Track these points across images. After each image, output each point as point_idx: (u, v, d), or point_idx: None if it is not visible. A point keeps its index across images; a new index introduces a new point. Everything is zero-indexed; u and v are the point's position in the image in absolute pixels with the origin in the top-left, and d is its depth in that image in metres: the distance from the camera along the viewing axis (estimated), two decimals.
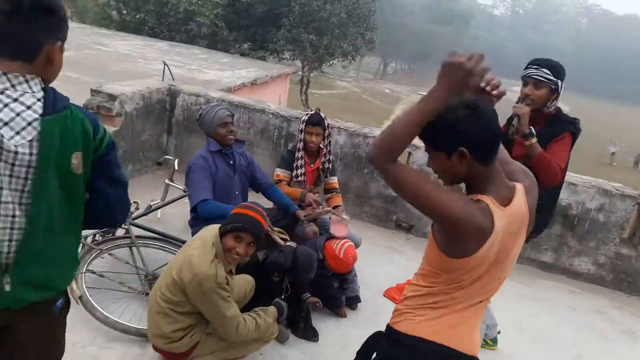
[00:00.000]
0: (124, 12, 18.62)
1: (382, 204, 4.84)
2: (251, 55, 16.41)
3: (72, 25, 16.52)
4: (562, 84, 2.78)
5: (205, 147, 3.29)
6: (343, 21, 17.25)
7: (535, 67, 2.77)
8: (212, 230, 2.40)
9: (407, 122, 1.37)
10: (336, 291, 3.40)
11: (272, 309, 2.67)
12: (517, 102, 2.84)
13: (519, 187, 1.51)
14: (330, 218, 3.53)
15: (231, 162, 3.30)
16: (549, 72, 2.71)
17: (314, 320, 3.20)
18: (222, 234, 2.35)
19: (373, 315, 3.44)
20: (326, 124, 3.70)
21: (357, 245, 3.81)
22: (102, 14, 19.41)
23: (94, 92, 4.48)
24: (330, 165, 3.80)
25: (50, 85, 1.33)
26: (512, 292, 4.01)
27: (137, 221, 3.56)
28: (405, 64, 70.62)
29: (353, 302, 3.48)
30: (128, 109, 4.62)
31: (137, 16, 18.01)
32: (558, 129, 2.76)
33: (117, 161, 1.46)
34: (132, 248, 3.31)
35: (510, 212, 1.44)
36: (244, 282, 2.80)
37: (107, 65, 9.65)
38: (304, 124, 3.63)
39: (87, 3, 21.46)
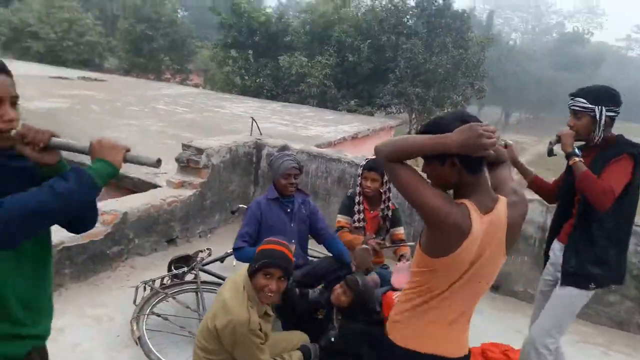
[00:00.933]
0: (246, 77, 20.32)
1: None
2: (358, 111, 16.82)
3: (200, 91, 18.46)
4: (603, 109, 2.53)
5: (265, 194, 3.40)
6: (450, 72, 17.07)
7: (571, 97, 2.64)
8: (242, 273, 2.41)
9: (419, 145, 1.54)
10: None
11: (297, 354, 2.59)
12: None
13: (502, 199, 1.60)
14: (390, 268, 3.39)
15: (288, 210, 3.34)
16: (584, 100, 2.54)
17: None
18: (252, 274, 2.35)
19: None
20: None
21: None
22: (226, 80, 21.35)
23: (185, 146, 4.87)
24: (389, 213, 3.67)
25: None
26: None
27: (209, 267, 3.72)
28: (529, 113, 67.32)
29: None
30: (215, 161, 4.93)
31: (257, 81, 19.57)
32: (614, 152, 2.52)
33: None
34: (197, 293, 3.44)
35: (489, 220, 1.54)
36: (295, 338, 2.75)
37: (220, 125, 10.48)
38: (362, 169, 3.60)
39: (215, 73, 23.84)
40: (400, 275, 3.34)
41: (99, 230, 3.82)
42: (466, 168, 1.53)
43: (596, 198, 2.42)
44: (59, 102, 11.28)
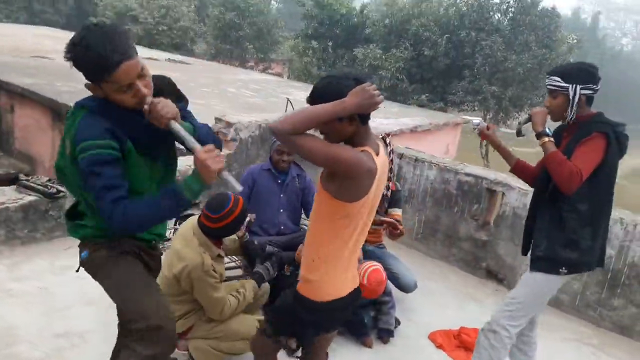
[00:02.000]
0: (322, 68, 20.66)
1: (471, 247, 4.46)
2: (430, 106, 16.54)
3: (274, 79, 19.03)
4: (577, 88, 2.41)
5: (260, 164, 3.65)
6: (532, 72, 16.28)
7: (547, 76, 2.55)
8: (188, 223, 2.64)
9: (321, 114, 1.68)
10: (364, 319, 3.28)
11: (250, 282, 2.81)
12: None
13: (380, 141, 1.87)
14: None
15: (279, 181, 3.54)
16: (558, 78, 2.43)
17: (337, 343, 3.14)
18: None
19: (402, 353, 3.22)
20: (389, 150, 3.70)
21: (407, 288, 3.66)
22: (303, 70, 21.84)
23: (217, 119, 5.21)
24: (389, 193, 3.75)
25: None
26: None
27: None
28: (630, 122, 61.80)
29: (383, 334, 3.31)
30: (243, 136, 5.22)
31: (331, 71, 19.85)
32: (585, 131, 2.39)
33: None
34: None
35: (380, 160, 1.79)
36: (248, 282, 2.95)
37: (280, 110, 10.85)
38: None
39: (296, 62, 24.43)
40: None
41: None
42: (361, 121, 1.74)
43: (562, 180, 2.34)
44: None
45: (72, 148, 1.67)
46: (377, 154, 1.77)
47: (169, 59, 18.37)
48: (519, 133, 2.68)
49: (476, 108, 17.91)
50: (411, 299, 3.86)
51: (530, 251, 2.61)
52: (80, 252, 1.94)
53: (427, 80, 17.61)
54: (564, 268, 2.49)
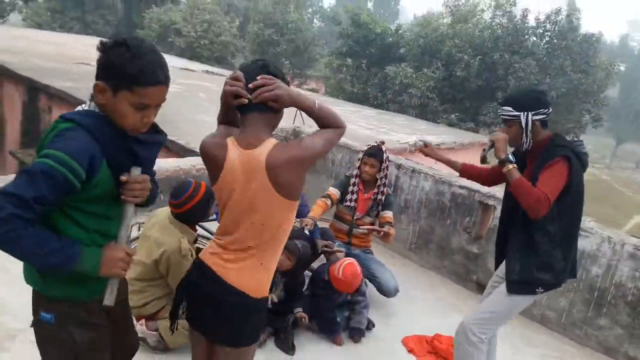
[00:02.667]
0: (355, 85, 20.89)
1: (462, 260, 4.47)
2: (460, 126, 16.45)
3: (312, 95, 19.36)
4: (529, 115, 2.45)
5: None
6: (566, 96, 15.98)
7: (499, 106, 2.63)
8: (163, 212, 2.81)
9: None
10: (336, 317, 3.35)
11: None
12: None
13: (272, 141, 1.67)
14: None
15: None
16: (509, 108, 2.47)
17: (307, 339, 3.24)
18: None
19: (371, 354, 3.27)
20: (384, 157, 3.81)
21: (388, 292, 3.72)
22: (337, 87, 22.13)
23: None
24: (383, 198, 3.85)
25: None
26: None
27: (207, 224, 4.17)
28: None
29: (355, 334, 3.37)
30: None
31: (365, 89, 20.05)
32: (549, 155, 2.43)
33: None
34: None
35: (248, 155, 1.65)
36: None
37: (314, 126, 11.05)
38: (363, 154, 3.84)
39: (330, 79, 24.78)
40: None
41: None
42: (239, 110, 1.72)
43: (530, 206, 2.37)
44: (173, 88, 12.69)
45: (37, 153, 1.44)
46: (246, 148, 1.66)
47: (206, 70, 19.00)
48: (483, 160, 2.67)
49: None
50: (393, 304, 3.90)
51: (505, 271, 2.64)
52: (39, 308, 1.61)
53: (458, 101, 17.53)
54: (539, 288, 2.57)
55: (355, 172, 3.95)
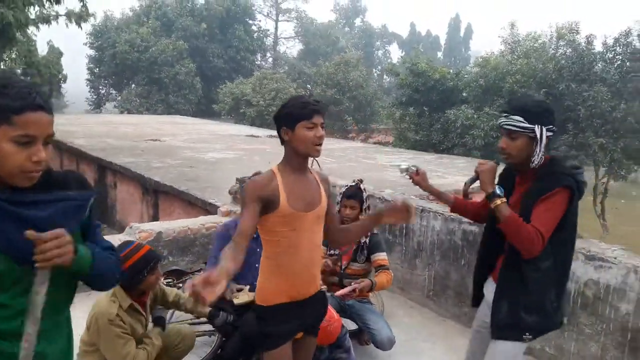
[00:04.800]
0: (420, 133, 20.55)
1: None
2: None
3: (364, 146, 19.32)
4: (543, 129, 2.16)
5: (235, 218, 3.71)
6: None
7: (505, 114, 2.25)
8: None
9: None
10: None
11: (155, 329, 2.80)
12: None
13: None
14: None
15: (255, 235, 3.53)
16: (521, 118, 2.15)
17: None
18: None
19: None
20: (364, 197, 3.59)
21: (381, 345, 3.38)
22: (400, 136, 21.92)
23: (238, 180, 5.44)
24: (367, 240, 3.58)
25: None
26: None
27: None
28: None
29: None
30: None
31: (428, 135, 19.66)
32: (548, 183, 2.14)
33: None
34: None
35: None
36: (177, 333, 2.93)
37: (354, 173, 10.92)
38: (341, 195, 3.64)
39: (393, 130, 24.63)
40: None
41: None
42: None
43: (523, 246, 2.10)
44: (232, 153, 13.20)
45: None
46: None
47: (270, 135, 19.69)
48: (465, 195, 2.44)
49: (586, 162, 16.34)
50: (392, 358, 3.52)
51: (491, 313, 2.32)
52: None
53: None
54: (527, 334, 2.23)
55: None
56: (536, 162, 2.17)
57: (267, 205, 2.08)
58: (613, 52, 16.08)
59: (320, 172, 2.35)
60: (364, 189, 3.66)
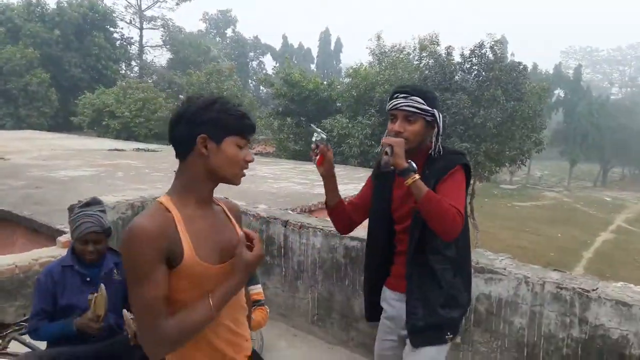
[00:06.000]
0: (299, 143, 20.46)
1: (369, 328, 3.60)
2: None
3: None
4: (440, 116, 2.07)
5: (59, 259, 2.91)
6: (503, 125, 15.85)
7: (403, 95, 2.01)
8: None
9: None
10: None
11: None
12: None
13: None
14: None
15: (87, 279, 2.76)
16: (422, 100, 2.01)
17: None
18: None
19: None
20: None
21: None
22: (279, 146, 21.71)
23: (69, 209, 4.54)
24: None
25: None
26: None
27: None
28: (635, 168, 61.26)
29: None
30: (111, 218, 4.55)
31: (306, 145, 19.65)
32: (445, 163, 2.03)
33: None
34: None
35: None
36: None
37: (231, 187, 10.26)
38: None
39: (271, 140, 24.35)
40: None
41: None
42: None
43: (445, 225, 1.87)
44: (90, 171, 11.78)
45: None
46: None
47: (136, 148, 18.21)
48: (385, 165, 1.96)
49: None
50: None
51: (406, 319, 2.06)
52: None
53: None
54: (449, 333, 2.05)
55: None
56: (435, 149, 2.05)
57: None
58: (470, 63, 17.34)
59: (225, 199, 1.71)
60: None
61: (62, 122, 32.18)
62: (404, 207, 2.09)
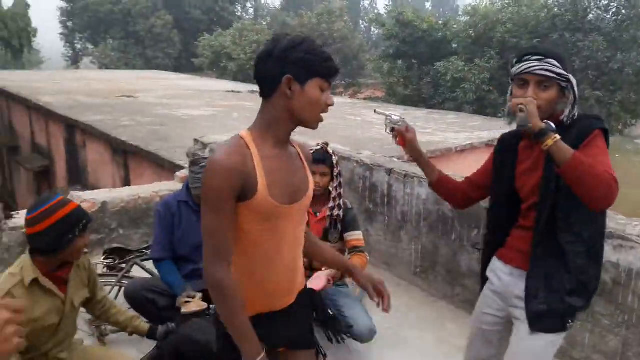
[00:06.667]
0: (408, 86, 19.80)
1: (475, 285, 3.45)
2: None
3: (351, 101, 18.54)
4: (575, 82, 1.78)
5: (175, 193, 3.11)
6: None
7: (537, 57, 1.75)
8: None
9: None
10: None
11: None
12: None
13: None
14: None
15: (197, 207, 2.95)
16: (558, 64, 1.74)
17: None
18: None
19: None
20: (334, 162, 2.98)
21: (360, 337, 2.87)
22: (389, 91, 21.14)
23: (195, 141, 4.80)
24: (341, 213, 2.99)
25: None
26: None
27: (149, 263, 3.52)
28: None
29: None
30: None
31: (417, 89, 18.95)
32: (581, 129, 1.76)
33: None
34: (117, 287, 3.27)
35: None
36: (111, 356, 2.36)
37: (337, 132, 10.27)
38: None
39: (382, 84, 23.80)
40: (316, 279, 2.76)
41: None
42: None
43: (598, 192, 1.60)
44: (208, 111, 12.43)
45: None
46: None
47: (252, 90, 18.80)
48: (522, 124, 1.69)
49: None
50: (372, 352, 3.00)
51: (525, 300, 1.87)
52: None
53: None
54: (570, 320, 1.86)
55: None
56: (568, 117, 1.78)
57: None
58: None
59: (300, 142, 1.72)
60: (333, 152, 3.05)
61: (185, 64, 34.09)
62: (530, 181, 1.87)
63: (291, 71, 1.45)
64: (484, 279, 2.12)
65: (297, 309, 1.69)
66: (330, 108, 1.54)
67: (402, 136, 2.05)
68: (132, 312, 2.62)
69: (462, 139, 9.89)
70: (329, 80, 1.51)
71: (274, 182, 1.48)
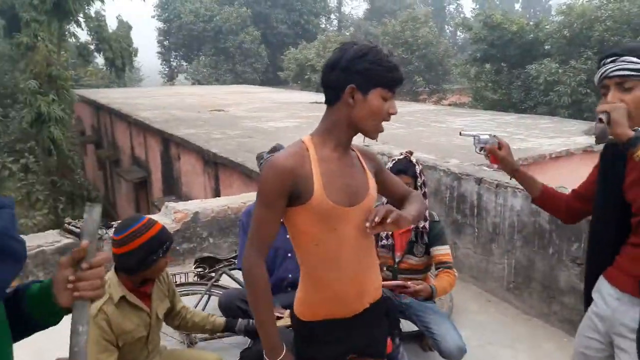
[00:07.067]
0: (497, 91, 19.00)
1: (576, 303, 3.20)
2: None
3: (435, 108, 18.09)
4: None
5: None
6: None
7: (611, 59, 1.63)
8: None
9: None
10: None
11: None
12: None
13: None
14: None
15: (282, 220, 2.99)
16: (636, 60, 1.58)
17: None
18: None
19: None
20: (417, 171, 2.90)
21: (448, 354, 2.74)
22: (475, 96, 20.40)
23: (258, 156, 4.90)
24: (427, 225, 2.90)
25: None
26: None
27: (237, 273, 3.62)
28: None
29: None
30: None
31: (507, 93, 18.11)
32: None
33: None
34: (206, 295, 3.39)
35: None
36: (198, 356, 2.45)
37: (421, 140, 10.06)
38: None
39: (468, 89, 23.02)
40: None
41: (169, 227, 4.15)
42: None
43: None
44: (293, 122, 12.72)
45: None
46: None
47: (315, 102, 18.89)
48: (602, 138, 1.62)
49: None
50: None
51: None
52: None
53: None
54: None
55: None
56: None
57: (294, 194, 1.52)
58: None
59: (363, 147, 1.75)
60: (416, 162, 2.96)
61: (271, 77, 35.26)
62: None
63: (355, 81, 1.48)
64: (587, 299, 1.94)
65: (371, 317, 1.69)
66: (392, 116, 1.55)
67: (495, 154, 1.97)
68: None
69: (556, 145, 9.32)
70: (392, 90, 1.52)
71: (331, 184, 1.52)
